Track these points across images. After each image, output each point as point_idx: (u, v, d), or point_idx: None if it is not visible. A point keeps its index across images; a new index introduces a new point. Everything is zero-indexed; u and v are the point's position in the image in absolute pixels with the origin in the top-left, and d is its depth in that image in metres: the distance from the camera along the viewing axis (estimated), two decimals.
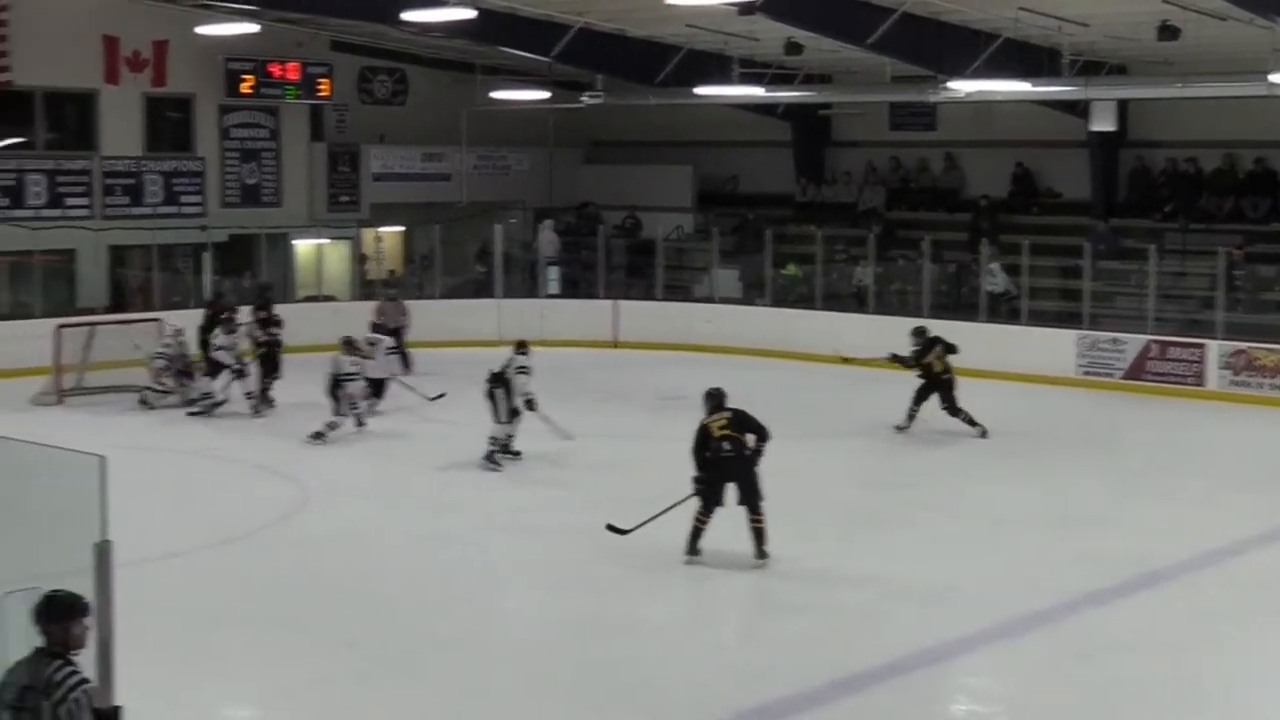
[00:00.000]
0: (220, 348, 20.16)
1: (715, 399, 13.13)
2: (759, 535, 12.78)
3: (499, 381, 16.97)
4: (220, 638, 10.98)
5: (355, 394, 18.52)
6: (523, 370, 17.13)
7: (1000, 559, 13.30)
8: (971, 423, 18.74)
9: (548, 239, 29.43)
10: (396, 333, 22.82)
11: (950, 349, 18.96)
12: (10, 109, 25.08)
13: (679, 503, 12.98)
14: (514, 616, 11.89)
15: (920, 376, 19.00)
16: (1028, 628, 11.45)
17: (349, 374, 18.44)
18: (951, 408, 18.82)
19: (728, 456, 12.77)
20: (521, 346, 17.44)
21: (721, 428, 12.81)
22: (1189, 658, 10.87)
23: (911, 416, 18.96)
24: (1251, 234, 24.38)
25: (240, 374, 20.23)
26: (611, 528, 13.33)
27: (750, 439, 12.82)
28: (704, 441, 12.83)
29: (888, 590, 12.28)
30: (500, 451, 16.86)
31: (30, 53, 23.98)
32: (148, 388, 20.58)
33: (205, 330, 21.43)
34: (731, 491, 12.88)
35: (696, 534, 12.87)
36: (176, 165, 26.71)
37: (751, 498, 12.78)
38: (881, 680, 10.26)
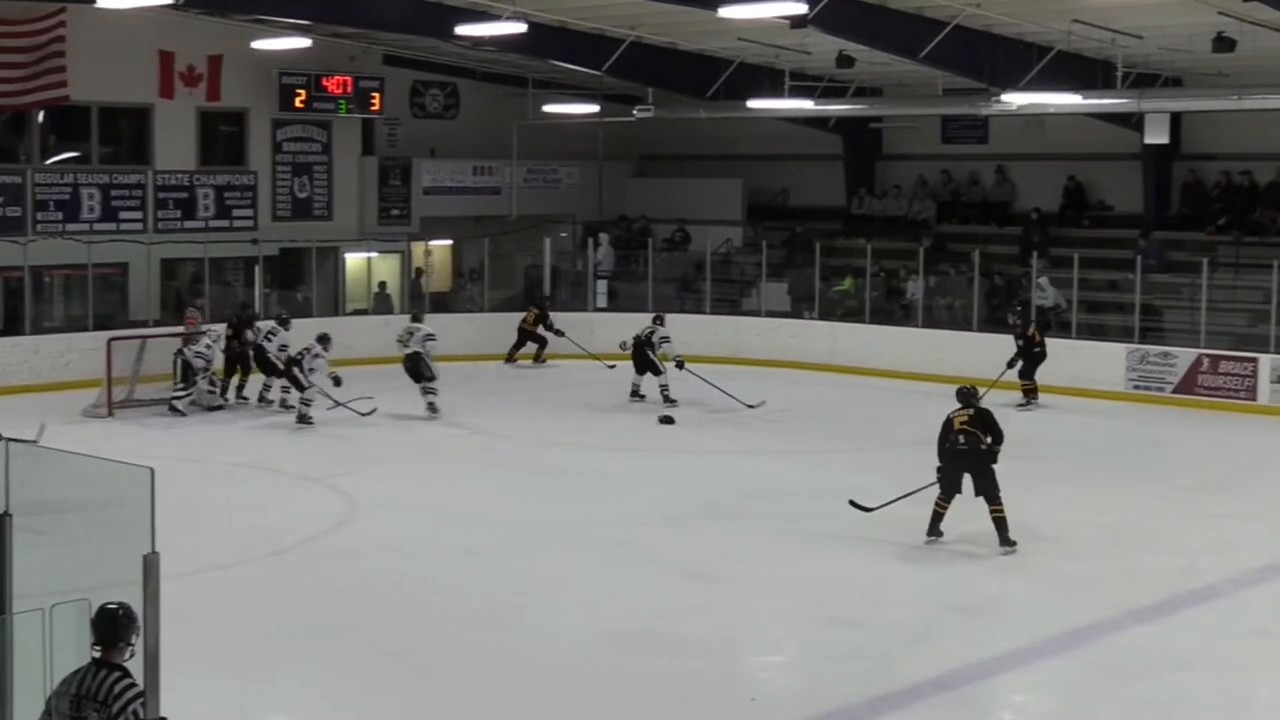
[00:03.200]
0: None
1: (966, 396, 13.99)
2: (1001, 524, 13.59)
3: (646, 345, 21.51)
4: (266, 649, 11.01)
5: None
6: (665, 339, 21.64)
7: (1048, 575, 13.20)
8: None
9: (605, 253, 29.47)
10: None
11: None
12: (66, 123, 25.36)
13: (923, 488, 13.97)
14: (559, 630, 11.81)
15: None
16: (1075, 645, 11.36)
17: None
18: None
19: (961, 450, 13.66)
20: (659, 319, 22.18)
21: (963, 422, 13.69)
22: (1237, 676, 10.76)
23: None
24: None
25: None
26: (855, 504, 14.42)
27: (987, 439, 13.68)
28: (946, 433, 13.74)
29: (936, 605, 12.24)
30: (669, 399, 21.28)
31: (86, 68, 24.08)
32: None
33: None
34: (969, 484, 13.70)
35: (936, 518, 13.86)
36: (229, 179, 26.86)
37: (988, 488, 13.60)
38: (927, 696, 10.19)
